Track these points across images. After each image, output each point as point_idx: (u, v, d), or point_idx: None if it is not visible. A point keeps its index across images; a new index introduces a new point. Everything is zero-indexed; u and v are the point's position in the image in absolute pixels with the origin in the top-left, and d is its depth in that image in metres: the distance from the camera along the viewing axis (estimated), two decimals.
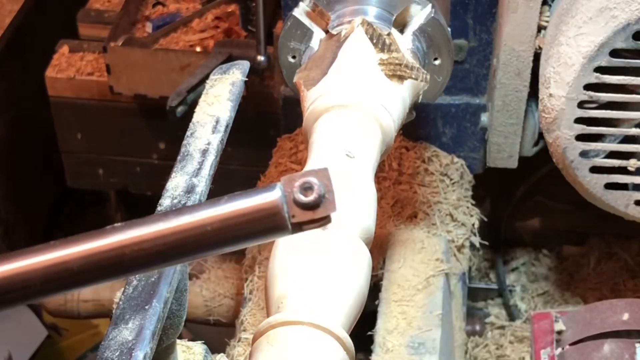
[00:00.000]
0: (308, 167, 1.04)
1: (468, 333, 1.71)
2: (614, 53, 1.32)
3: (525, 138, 1.58)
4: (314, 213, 0.58)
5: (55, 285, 0.59)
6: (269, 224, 0.58)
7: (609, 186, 1.44)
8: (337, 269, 0.92)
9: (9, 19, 2.13)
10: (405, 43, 1.20)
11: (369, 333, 1.34)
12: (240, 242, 0.61)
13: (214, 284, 1.65)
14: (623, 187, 1.44)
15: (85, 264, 0.58)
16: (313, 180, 0.58)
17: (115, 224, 0.60)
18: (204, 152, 0.94)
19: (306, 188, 0.58)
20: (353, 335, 0.89)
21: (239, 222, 0.58)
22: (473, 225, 1.59)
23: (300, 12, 1.24)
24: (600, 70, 1.33)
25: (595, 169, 1.43)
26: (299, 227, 0.58)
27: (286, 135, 1.67)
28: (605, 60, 1.32)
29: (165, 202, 0.89)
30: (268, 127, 1.93)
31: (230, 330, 1.49)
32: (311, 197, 0.58)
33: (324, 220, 0.58)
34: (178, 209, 0.61)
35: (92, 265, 0.59)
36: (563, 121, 1.38)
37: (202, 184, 0.91)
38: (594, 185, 1.44)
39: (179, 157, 0.94)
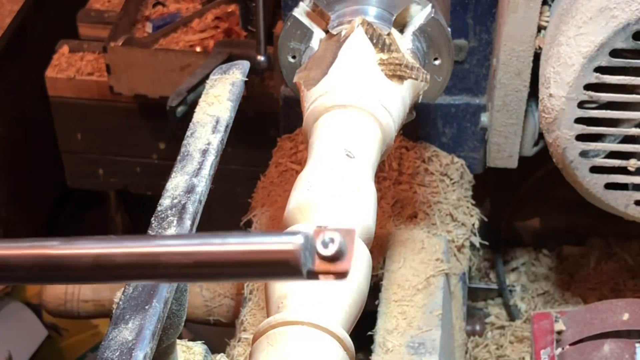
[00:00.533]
0: (308, 167, 1.04)
1: (468, 333, 1.71)
2: (614, 53, 1.32)
3: (525, 138, 1.58)
4: (330, 266, 0.62)
5: (101, 273, 0.66)
6: (286, 267, 0.63)
7: (609, 186, 1.44)
8: None
9: (9, 19, 2.13)
10: (405, 43, 1.20)
11: (369, 333, 1.34)
12: (258, 277, 0.67)
13: (214, 284, 1.65)
14: (623, 187, 1.44)
15: (127, 260, 0.65)
16: (336, 235, 0.62)
17: (163, 234, 0.68)
18: (204, 152, 0.94)
19: (328, 241, 0.62)
20: (353, 335, 0.89)
21: (260, 258, 0.63)
22: (473, 225, 1.59)
23: (300, 12, 1.24)
24: (600, 70, 1.33)
25: (595, 169, 1.43)
26: (314, 275, 0.62)
27: (286, 135, 1.67)
28: (605, 60, 1.32)
29: (165, 202, 0.89)
30: (268, 127, 1.93)
31: (230, 330, 1.49)
32: (331, 251, 0.62)
33: (340, 275, 0.62)
34: (214, 233, 0.67)
35: (133, 262, 0.65)
36: (563, 121, 1.38)
37: (202, 184, 0.91)
38: (594, 185, 1.44)
39: (179, 157, 0.94)
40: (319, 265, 0.62)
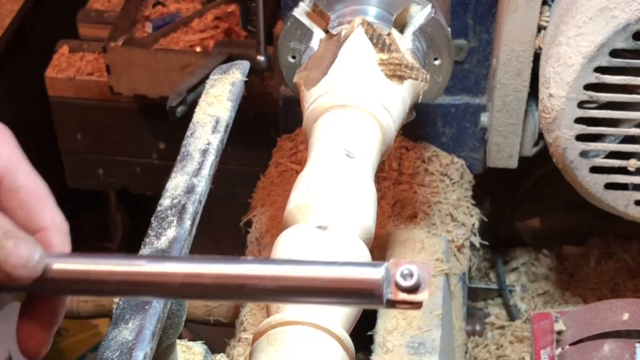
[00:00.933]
0: (308, 167, 1.04)
1: (468, 333, 1.71)
2: (614, 53, 1.32)
3: (525, 138, 1.58)
4: (408, 296, 0.68)
5: (189, 292, 0.71)
6: (369, 296, 0.69)
7: (609, 186, 1.44)
8: None
9: (9, 19, 2.13)
10: (405, 43, 1.20)
11: (369, 333, 1.34)
12: (339, 303, 0.73)
13: None
14: (623, 187, 1.44)
15: (215, 282, 0.70)
16: (414, 268, 0.67)
17: (248, 257, 0.74)
18: (204, 152, 0.94)
19: (407, 273, 0.67)
20: (353, 335, 0.89)
21: (345, 285, 0.69)
22: (473, 225, 1.59)
23: (300, 12, 1.24)
24: (600, 70, 1.33)
25: (595, 169, 1.43)
26: (392, 304, 0.68)
27: (286, 135, 1.67)
28: (605, 60, 1.32)
29: (165, 202, 0.89)
30: (268, 127, 1.93)
31: (230, 330, 1.49)
32: (409, 283, 0.67)
33: (416, 305, 0.68)
34: (299, 260, 0.73)
35: (220, 285, 0.70)
36: (563, 121, 1.38)
37: (202, 184, 0.91)
38: (594, 185, 1.44)
39: (179, 157, 0.94)
40: (397, 295, 0.68)
